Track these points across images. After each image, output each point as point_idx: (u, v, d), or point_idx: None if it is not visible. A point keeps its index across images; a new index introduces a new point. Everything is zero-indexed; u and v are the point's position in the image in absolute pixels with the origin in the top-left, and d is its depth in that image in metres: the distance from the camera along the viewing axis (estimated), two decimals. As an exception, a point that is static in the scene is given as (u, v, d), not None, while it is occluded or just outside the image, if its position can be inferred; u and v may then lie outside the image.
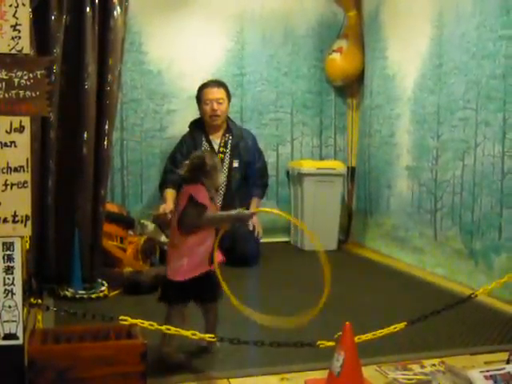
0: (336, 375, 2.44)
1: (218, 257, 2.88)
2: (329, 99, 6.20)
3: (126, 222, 4.75)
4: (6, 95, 2.35)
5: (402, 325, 2.92)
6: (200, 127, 5.30)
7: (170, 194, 5.04)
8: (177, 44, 5.65)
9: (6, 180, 2.39)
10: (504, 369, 2.54)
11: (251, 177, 5.30)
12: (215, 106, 5.16)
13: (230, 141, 5.27)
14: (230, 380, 2.74)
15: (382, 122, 5.54)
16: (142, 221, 4.93)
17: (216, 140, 5.27)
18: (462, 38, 4.40)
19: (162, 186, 5.19)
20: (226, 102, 5.25)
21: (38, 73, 2.38)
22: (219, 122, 5.23)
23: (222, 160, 5.20)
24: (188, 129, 5.36)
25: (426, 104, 4.86)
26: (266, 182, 5.53)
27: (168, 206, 4.83)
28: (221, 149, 5.24)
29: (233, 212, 2.90)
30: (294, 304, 3.83)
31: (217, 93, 5.20)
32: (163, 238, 4.93)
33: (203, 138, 5.25)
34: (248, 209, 5.28)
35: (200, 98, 5.26)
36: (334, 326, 2.74)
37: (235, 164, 5.23)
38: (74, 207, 4.01)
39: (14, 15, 2.35)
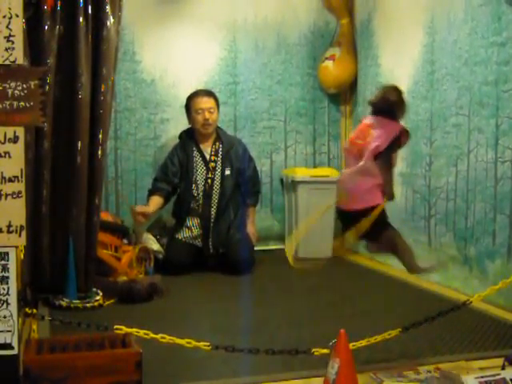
0: (331, 383, 2.45)
1: None
2: (322, 107, 6.20)
3: (121, 231, 4.74)
4: (0, 106, 2.36)
5: (396, 331, 2.93)
6: (190, 137, 5.31)
7: (154, 200, 5.14)
8: (170, 53, 5.65)
9: (1, 190, 2.39)
10: (499, 375, 2.55)
11: (243, 184, 5.31)
12: (207, 115, 5.17)
13: (220, 149, 5.27)
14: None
15: (375, 129, 5.54)
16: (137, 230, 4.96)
17: (207, 149, 5.27)
18: (454, 44, 4.42)
19: (151, 192, 5.23)
20: (217, 111, 5.26)
21: (32, 83, 2.39)
22: (210, 130, 5.24)
23: (214, 168, 5.21)
24: (179, 139, 5.37)
25: (419, 110, 4.87)
26: (259, 189, 5.55)
27: (148, 209, 5.02)
28: (212, 157, 5.23)
29: None
30: (288, 310, 3.84)
31: (208, 102, 5.21)
32: (157, 247, 4.94)
33: (194, 148, 5.26)
34: (246, 220, 5.30)
35: (190, 107, 5.26)
36: (328, 333, 2.74)
37: (227, 172, 5.22)
38: (69, 217, 4.00)
39: (7, 26, 2.36)
